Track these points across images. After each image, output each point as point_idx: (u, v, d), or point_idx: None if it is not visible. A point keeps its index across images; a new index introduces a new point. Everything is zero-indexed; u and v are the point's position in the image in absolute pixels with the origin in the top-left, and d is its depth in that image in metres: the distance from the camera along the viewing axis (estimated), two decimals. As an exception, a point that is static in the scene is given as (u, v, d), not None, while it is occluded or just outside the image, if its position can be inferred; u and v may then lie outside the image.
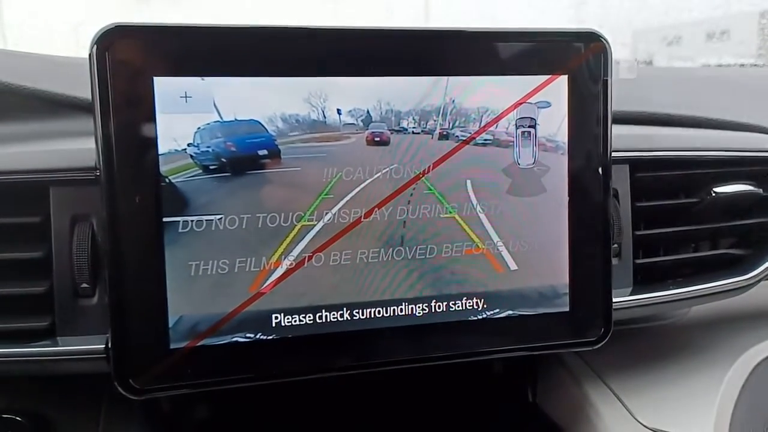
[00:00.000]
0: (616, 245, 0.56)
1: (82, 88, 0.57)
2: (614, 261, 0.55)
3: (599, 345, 0.51)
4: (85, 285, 0.47)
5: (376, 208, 0.47)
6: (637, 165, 0.58)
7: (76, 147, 0.48)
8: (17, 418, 0.50)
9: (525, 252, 0.50)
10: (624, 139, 0.57)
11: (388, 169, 0.47)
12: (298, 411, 0.66)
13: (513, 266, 0.50)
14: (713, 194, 0.60)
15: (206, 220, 0.44)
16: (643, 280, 0.58)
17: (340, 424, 0.65)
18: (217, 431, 0.63)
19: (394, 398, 0.67)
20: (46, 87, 0.56)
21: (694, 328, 0.66)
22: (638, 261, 0.57)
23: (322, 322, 0.47)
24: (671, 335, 0.66)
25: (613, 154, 0.50)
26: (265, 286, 0.46)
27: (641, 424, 0.54)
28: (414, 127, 0.48)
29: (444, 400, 0.68)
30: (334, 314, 0.47)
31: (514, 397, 0.65)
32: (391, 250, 0.48)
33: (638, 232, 0.58)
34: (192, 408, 0.64)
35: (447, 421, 0.65)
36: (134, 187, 0.43)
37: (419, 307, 0.48)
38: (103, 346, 0.46)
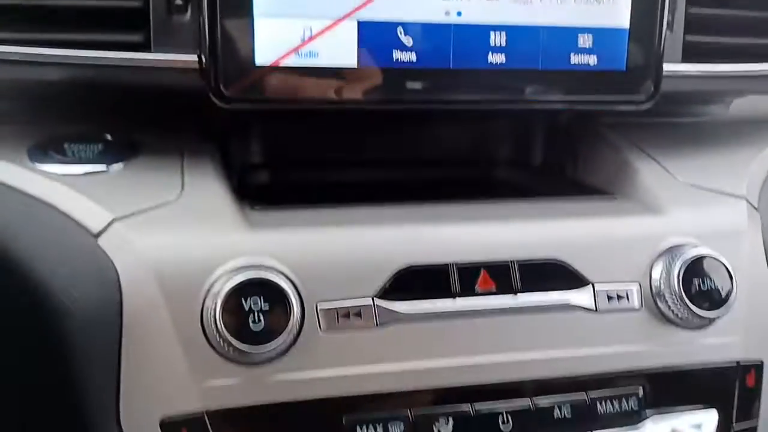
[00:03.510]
0: (669, 16, 0.58)
1: None
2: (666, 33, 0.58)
3: (649, 104, 0.55)
4: (179, 1, 0.50)
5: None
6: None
7: None
8: (107, 136, 0.54)
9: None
10: None
11: None
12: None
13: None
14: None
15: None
16: (691, 57, 0.60)
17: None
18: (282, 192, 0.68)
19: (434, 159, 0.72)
20: None
21: (732, 122, 0.69)
22: (688, 37, 0.60)
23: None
24: (710, 127, 0.68)
25: None
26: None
27: (677, 179, 0.59)
28: None
29: (486, 180, 0.73)
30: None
31: (554, 173, 0.69)
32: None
33: (692, 10, 0.59)
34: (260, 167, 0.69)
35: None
36: None
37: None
38: (196, 58, 0.49)
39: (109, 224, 0.47)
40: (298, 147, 0.71)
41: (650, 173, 0.59)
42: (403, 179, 0.73)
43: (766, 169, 0.61)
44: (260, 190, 0.67)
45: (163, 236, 0.47)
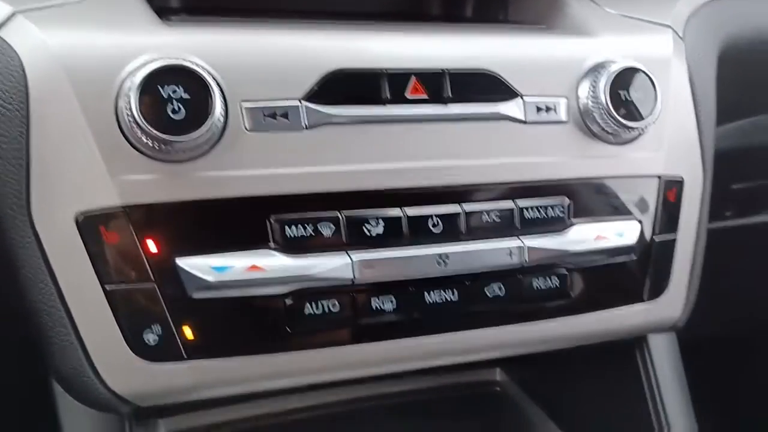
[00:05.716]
0: None
1: None
2: None
3: None
4: None
5: None
6: None
7: None
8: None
9: None
10: None
11: None
12: None
13: None
14: None
15: None
16: None
17: None
18: None
19: None
20: None
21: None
22: None
23: None
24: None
25: None
26: None
27: (606, 10, 0.59)
28: None
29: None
30: None
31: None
32: None
33: None
34: None
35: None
36: None
37: None
38: None
39: (11, 16, 0.43)
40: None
41: (579, 4, 0.59)
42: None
43: (691, 6, 0.62)
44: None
45: (71, 30, 0.43)
